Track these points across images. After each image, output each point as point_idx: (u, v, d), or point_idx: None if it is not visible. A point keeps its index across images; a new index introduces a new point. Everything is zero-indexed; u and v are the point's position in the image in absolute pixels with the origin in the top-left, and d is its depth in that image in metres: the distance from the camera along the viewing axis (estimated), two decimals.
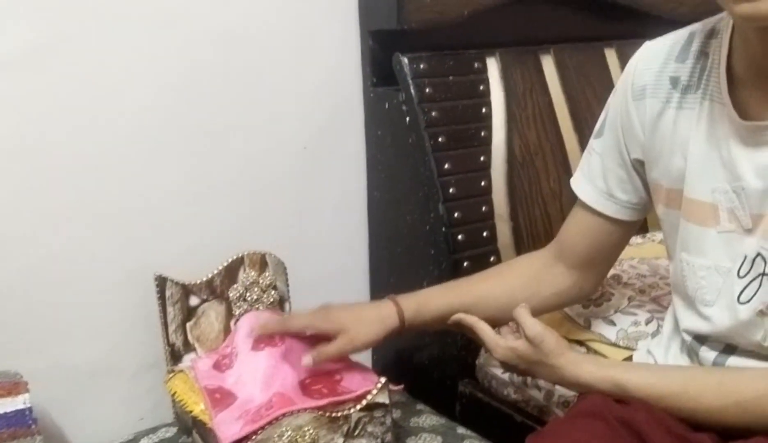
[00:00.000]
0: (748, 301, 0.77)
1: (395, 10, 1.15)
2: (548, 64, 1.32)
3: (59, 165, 1.04)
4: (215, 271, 1.08)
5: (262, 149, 1.21)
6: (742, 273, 0.78)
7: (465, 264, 1.16)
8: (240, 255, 1.10)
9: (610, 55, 1.39)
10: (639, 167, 0.89)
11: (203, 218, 1.16)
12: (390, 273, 1.32)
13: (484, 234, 1.19)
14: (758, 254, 0.77)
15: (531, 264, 1.01)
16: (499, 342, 0.91)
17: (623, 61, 1.38)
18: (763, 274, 0.76)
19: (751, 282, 0.77)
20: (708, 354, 0.83)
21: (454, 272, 1.14)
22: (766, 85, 0.74)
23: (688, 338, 0.86)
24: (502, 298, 0.96)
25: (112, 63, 1.06)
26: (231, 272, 1.09)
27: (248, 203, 1.21)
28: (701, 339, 0.84)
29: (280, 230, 1.24)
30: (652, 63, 0.85)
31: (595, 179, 0.93)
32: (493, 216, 1.21)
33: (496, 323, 0.94)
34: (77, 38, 1.03)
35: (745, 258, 0.78)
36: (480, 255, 1.18)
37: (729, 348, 0.82)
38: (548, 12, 1.34)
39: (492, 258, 1.18)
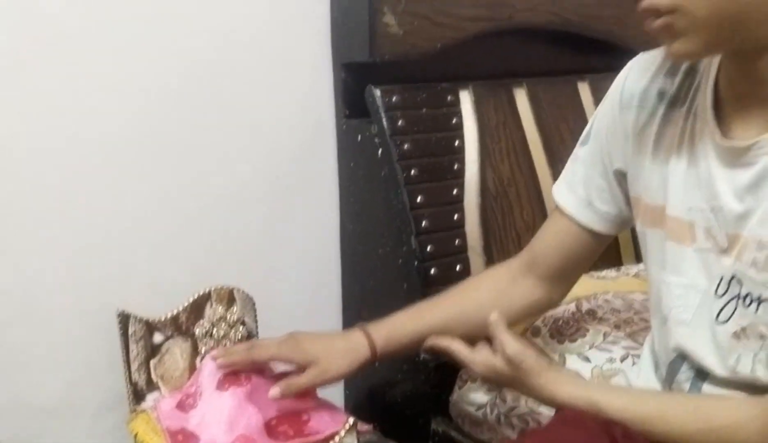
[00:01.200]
0: (726, 321, 0.76)
1: (367, 43, 1.14)
2: (521, 98, 1.32)
3: (18, 198, 1.02)
4: (181, 307, 1.04)
5: (232, 181, 1.19)
6: (720, 293, 0.77)
7: None
8: (207, 290, 1.06)
9: (583, 89, 1.39)
10: (620, 178, 0.89)
11: (169, 251, 1.14)
12: (363, 307, 1.30)
13: (457, 268, 1.18)
14: (733, 276, 0.76)
15: (500, 277, 1.00)
16: (476, 359, 0.89)
17: (596, 94, 1.39)
18: (739, 297, 0.75)
19: (728, 302, 0.76)
20: (683, 379, 0.82)
21: None
22: (746, 107, 0.74)
23: (664, 361, 0.85)
24: (474, 315, 0.95)
25: (76, 93, 1.04)
26: (197, 308, 1.06)
27: (217, 236, 1.19)
28: (677, 362, 0.83)
29: (249, 263, 1.22)
30: (643, 74, 0.84)
31: (576, 187, 0.92)
32: (467, 249, 1.19)
33: (470, 340, 0.92)
34: (36, 65, 1.01)
35: (722, 278, 0.77)
36: None
37: (703, 374, 0.80)
38: (521, 45, 1.34)
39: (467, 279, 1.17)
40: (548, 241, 0.95)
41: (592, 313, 1.14)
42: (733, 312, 0.76)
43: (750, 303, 0.74)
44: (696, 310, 0.79)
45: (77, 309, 1.07)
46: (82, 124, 1.05)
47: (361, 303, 1.30)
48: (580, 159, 0.92)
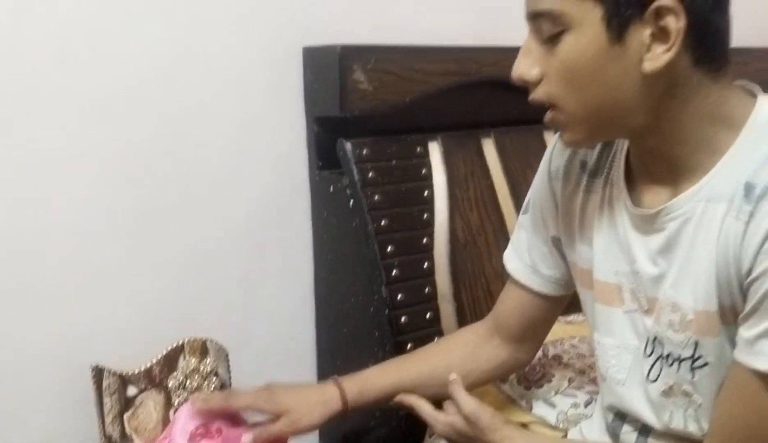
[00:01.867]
0: (656, 380, 0.80)
1: (338, 99, 1.18)
2: (489, 148, 1.36)
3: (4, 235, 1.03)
4: (154, 360, 1.06)
5: (206, 231, 1.21)
6: (647, 353, 0.81)
7: (409, 345, 1.17)
8: (180, 342, 1.08)
9: (549, 138, 1.43)
10: (558, 244, 0.93)
11: (142, 303, 1.15)
12: (337, 355, 1.32)
13: (428, 315, 1.20)
14: (656, 337, 0.80)
15: (469, 339, 1.04)
16: (438, 418, 0.94)
17: None
18: (662, 357, 0.80)
19: (655, 362, 0.81)
20: (629, 434, 0.85)
21: (398, 354, 1.14)
22: (653, 177, 0.79)
23: (609, 417, 0.88)
24: (443, 374, 0.97)
25: (54, 141, 1.06)
26: (170, 360, 1.07)
27: (191, 286, 1.20)
28: (621, 417, 0.87)
29: (223, 313, 1.24)
30: (566, 148, 0.89)
31: (522, 254, 0.97)
32: (437, 297, 1.22)
33: (439, 398, 0.96)
34: (20, 121, 1.03)
35: (648, 338, 0.81)
36: (424, 337, 1.18)
37: (646, 429, 0.84)
38: (488, 96, 1.38)
39: (436, 340, 1.19)
40: (507, 306, 1.00)
41: (558, 358, 1.16)
42: (660, 372, 0.80)
43: (672, 363, 0.79)
44: (629, 370, 0.83)
45: (51, 363, 1.08)
46: (56, 179, 1.07)
47: (336, 351, 1.32)
48: (523, 227, 0.97)
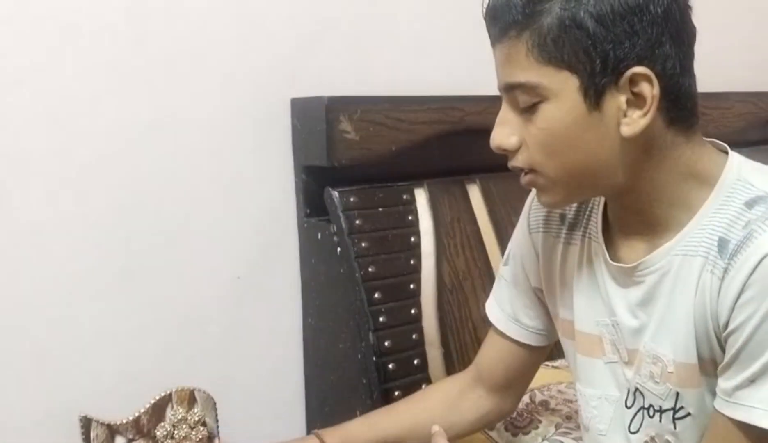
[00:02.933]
0: (637, 431, 0.81)
1: (325, 149, 1.21)
2: (474, 193, 1.39)
3: None
4: (142, 410, 1.06)
5: (194, 279, 1.23)
6: (629, 404, 0.82)
7: (396, 393, 1.18)
8: (168, 392, 1.08)
9: None
10: (540, 295, 0.95)
11: (130, 352, 1.16)
12: (325, 403, 1.32)
13: (415, 362, 1.21)
14: (636, 388, 0.81)
15: (451, 389, 1.04)
16: None
17: None
18: (643, 408, 0.80)
19: (636, 413, 0.81)
20: None
21: (386, 401, 1.15)
22: (630, 231, 0.81)
23: None
24: (426, 427, 0.98)
25: (43, 203, 1.08)
26: (158, 410, 1.07)
27: (177, 335, 1.21)
28: None
29: (211, 362, 1.24)
30: None
31: (503, 304, 0.98)
32: (424, 343, 1.23)
33: None
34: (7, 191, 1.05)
35: (629, 389, 0.82)
36: (411, 384, 1.19)
37: None
38: (473, 143, 1.41)
39: (423, 386, 1.20)
40: (489, 356, 1.00)
41: (545, 404, 1.17)
42: (642, 423, 0.81)
43: (654, 414, 0.79)
44: (611, 421, 0.84)
45: (39, 414, 1.08)
46: (45, 231, 1.09)
47: (324, 398, 1.32)
48: (504, 278, 0.99)
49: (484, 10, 0.77)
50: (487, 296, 1.31)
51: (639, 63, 0.71)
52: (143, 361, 1.17)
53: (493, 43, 0.77)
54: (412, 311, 1.23)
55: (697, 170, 0.76)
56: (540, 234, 0.92)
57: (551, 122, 0.73)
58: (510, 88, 0.75)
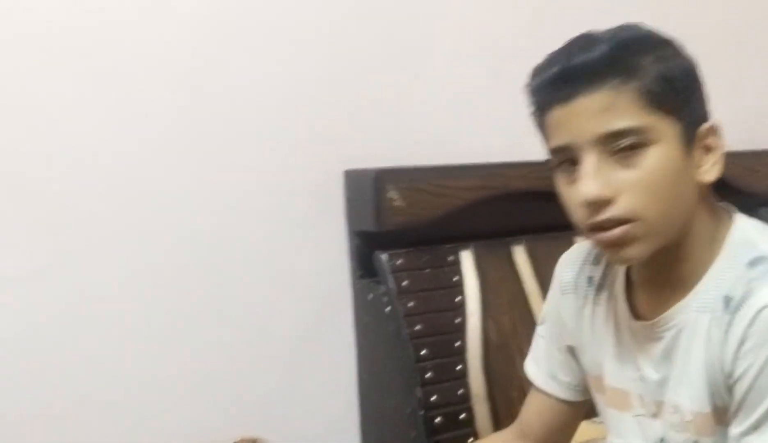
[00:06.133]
0: None
1: (374, 216, 1.31)
2: (520, 254, 1.45)
3: (57, 363, 1.18)
4: None
5: (256, 335, 1.33)
6: None
7: None
8: (235, 441, 1.18)
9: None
10: (574, 353, 0.99)
11: (195, 405, 1.27)
12: None
13: (461, 416, 1.27)
14: (662, 438, 0.85)
15: None
16: None
17: None
18: None
19: None
20: None
21: None
22: (649, 291, 0.86)
23: None
24: None
25: (106, 275, 1.21)
26: None
27: (241, 387, 1.31)
28: None
29: (272, 413, 1.33)
30: (574, 263, 0.98)
31: (540, 361, 1.03)
32: (470, 398, 1.29)
33: None
34: (74, 258, 1.19)
35: (655, 441, 0.86)
36: (458, 438, 1.25)
37: None
38: (517, 206, 1.48)
39: (470, 441, 1.25)
40: (530, 412, 1.04)
41: None
42: None
43: None
44: None
45: None
46: (116, 299, 1.22)
47: None
48: (541, 336, 1.04)
49: (559, 68, 0.78)
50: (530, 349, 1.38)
51: (707, 118, 0.81)
52: (208, 412, 1.28)
53: (572, 97, 0.77)
54: (458, 367, 1.29)
55: (713, 230, 0.82)
56: (570, 296, 0.97)
57: (657, 166, 0.76)
58: (610, 136, 0.76)
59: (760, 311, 0.73)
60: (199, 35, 1.27)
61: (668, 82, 0.77)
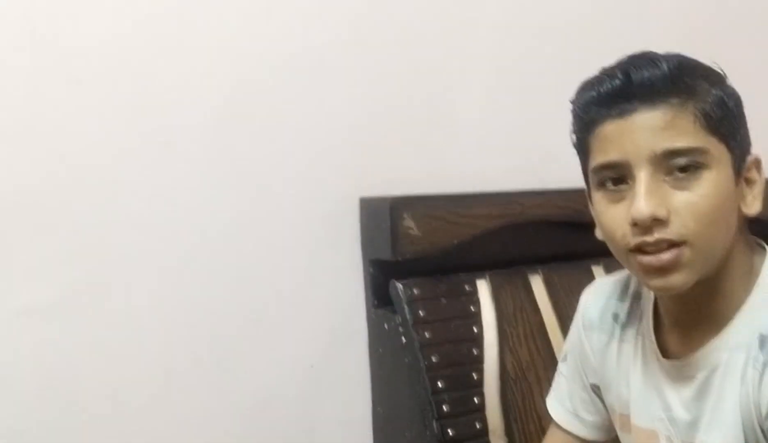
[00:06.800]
0: None
1: (390, 244, 1.29)
2: (537, 284, 1.42)
3: (78, 397, 1.17)
4: None
5: (269, 367, 1.31)
6: None
7: None
8: None
9: (598, 272, 1.48)
10: (597, 391, 0.97)
11: (205, 437, 1.25)
12: None
13: None
14: None
15: None
16: None
17: None
18: None
19: None
20: None
21: None
22: (680, 328, 0.84)
23: None
24: None
25: (124, 307, 1.21)
26: None
27: (253, 420, 1.29)
28: None
29: None
30: (599, 300, 0.95)
31: (563, 400, 1.00)
32: (487, 433, 1.25)
33: None
34: (98, 288, 1.19)
35: None
36: None
37: None
38: (534, 235, 1.46)
39: None
40: None
41: None
42: None
43: None
44: None
45: None
46: (139, 328, 1.21)
47: None
48: (563, 374, 1.02)
49: (618, 82, 0.76)
50: (551, 387, 1.34)
51: (750, 150, 0.81)
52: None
53: (630, 113, 0.75)
54: (475, 400, 1.26)
55: (750, 263, 0.80)
56: (594, 332, 0.95)
57: (712, 191, 0.75)
58: (669, 154, 0.75)
59: None
60: (223, 65, 1.27)
61: (723, 107, 0.77)
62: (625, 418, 0.91)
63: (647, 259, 0.76)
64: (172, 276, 1.24)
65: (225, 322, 1.28)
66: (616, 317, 0.92)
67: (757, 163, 0.81)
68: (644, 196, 0.74)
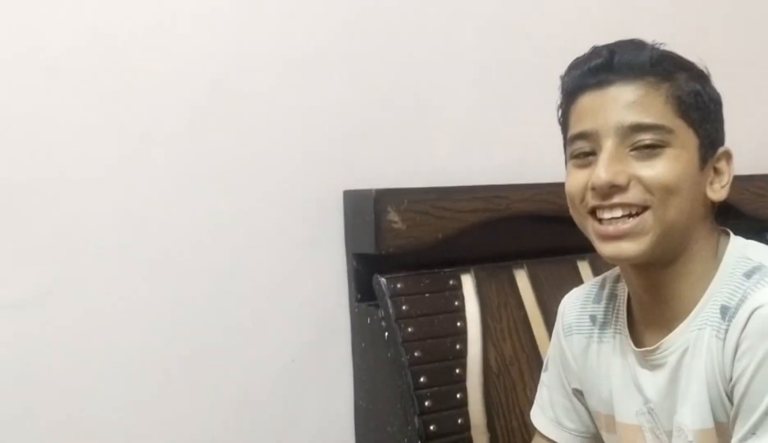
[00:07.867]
0: None
1: (373, 237, 1.28)
2: (522, 278, 1.42)
3: (60, 391, 1.15)
4: None
5: (251, 362, 1.30)
6: None
7: None
8: None
9: (583, 267, 1.48)
10: (580, 397, 0.98)
11: (193, 429, 1.23)
12: None
13: None
14: None
15: None
16: None
17: (597, 272, 1.47)
18: None
19: None
20: None
21: None
22: (649, 316, 0.86)
23: None
24: None
25: (108, 301, 1.18)
26: None
27: (234, 415, 1.28)
28: None
29: (267, 441, 1.30)
30: (575, 305, 0.97)
31: (545, 409, 1.01)
32: (470, 428, 1.25)
33: None
34: (76, 283, 1.16)
35: None
36: None
37: None
38: (519, 229, 1.45)
39: None
40: None
41: None
42: None
43: None
44: None
45: None
46: (117, 339, 1.19)
47: None
48: (545, 384, 1.03)
49: (601, 59, 0.81)
50: (534, 382, 1.33)
51: (722, 143, 0.84)
52: (203, 438, 1.24)
53: (607, 85, 0.80)
54: (458, 395, 1.26)
55: (714, 247, 0.83)
56: (574, 336, 0.96)
57: (673, 167, 0.79)
58: (636, 128, 0.79)
59: (754, 311, 0.74)
60: (202, 60, 1.24)
61: (698, 99, 0.81)
62: (610, 418, 0.91)
63: (603, 227, 0.81)
64: (152, 271, 1.22)
65: (206, 316, 1.26)
66: (593, 319, 0.94)
67: (728, 156, 0.84)
68: (606, 163, 0.79)
